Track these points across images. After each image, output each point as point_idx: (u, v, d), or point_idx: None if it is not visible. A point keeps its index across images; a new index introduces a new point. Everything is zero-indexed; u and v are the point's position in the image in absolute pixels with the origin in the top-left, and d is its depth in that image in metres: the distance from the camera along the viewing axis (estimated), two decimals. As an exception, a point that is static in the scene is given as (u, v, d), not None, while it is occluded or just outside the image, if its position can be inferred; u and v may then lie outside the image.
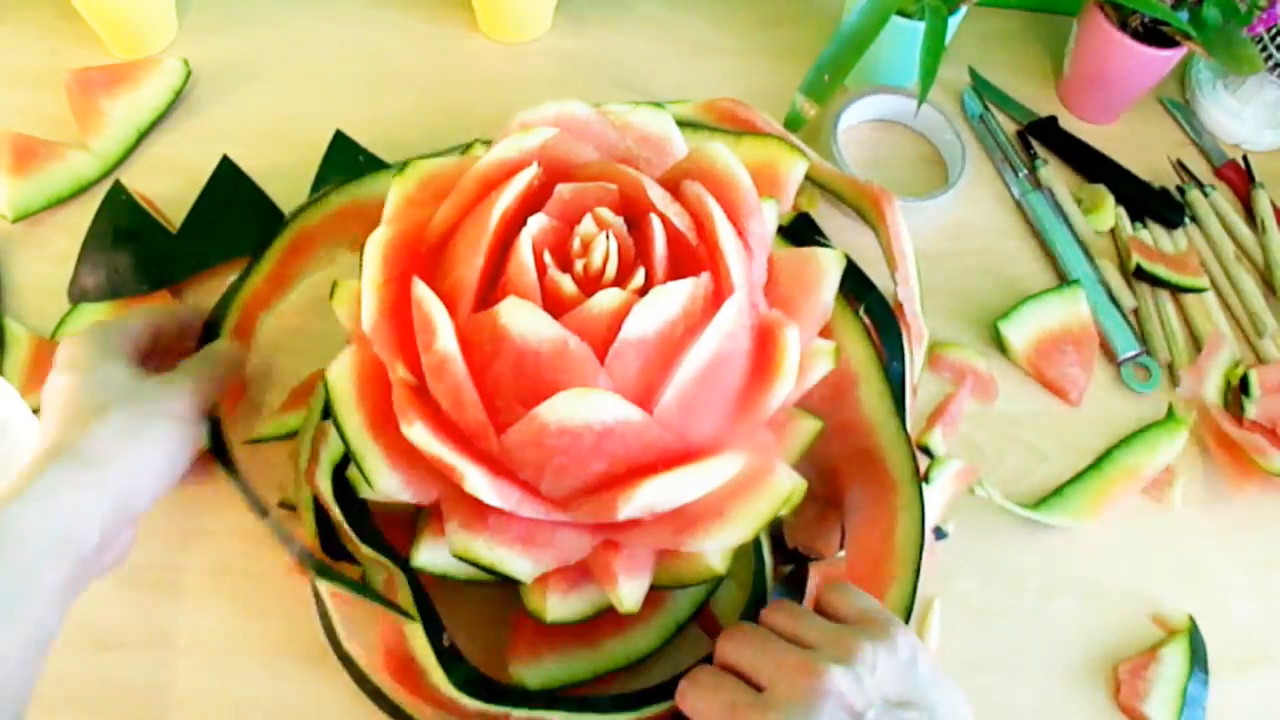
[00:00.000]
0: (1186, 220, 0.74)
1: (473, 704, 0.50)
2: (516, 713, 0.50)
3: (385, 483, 0.48)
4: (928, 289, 0.69)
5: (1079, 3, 0.74)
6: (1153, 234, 0.73)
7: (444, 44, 0.78)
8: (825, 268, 0.54)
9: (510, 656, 0.52)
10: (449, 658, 0.51)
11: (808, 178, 0.63)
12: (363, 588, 0.51)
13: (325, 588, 0.53)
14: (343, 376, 0.50)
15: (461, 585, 0.51)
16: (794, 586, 0.55)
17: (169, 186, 0.69)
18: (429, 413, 0.48)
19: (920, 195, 0.71)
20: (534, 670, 0.52)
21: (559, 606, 0.49)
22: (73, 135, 0.70)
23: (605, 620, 0.51)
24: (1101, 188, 0.74)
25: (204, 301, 0.63)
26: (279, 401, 0.60)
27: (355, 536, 0.52)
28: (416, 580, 0.52)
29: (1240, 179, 0.77)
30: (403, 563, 0.51)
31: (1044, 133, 0.77)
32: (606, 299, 0.47)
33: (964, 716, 0.45)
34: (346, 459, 0.51)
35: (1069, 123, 0.78)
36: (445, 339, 0.47)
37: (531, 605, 0.50)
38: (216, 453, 0.57)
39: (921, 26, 0.66)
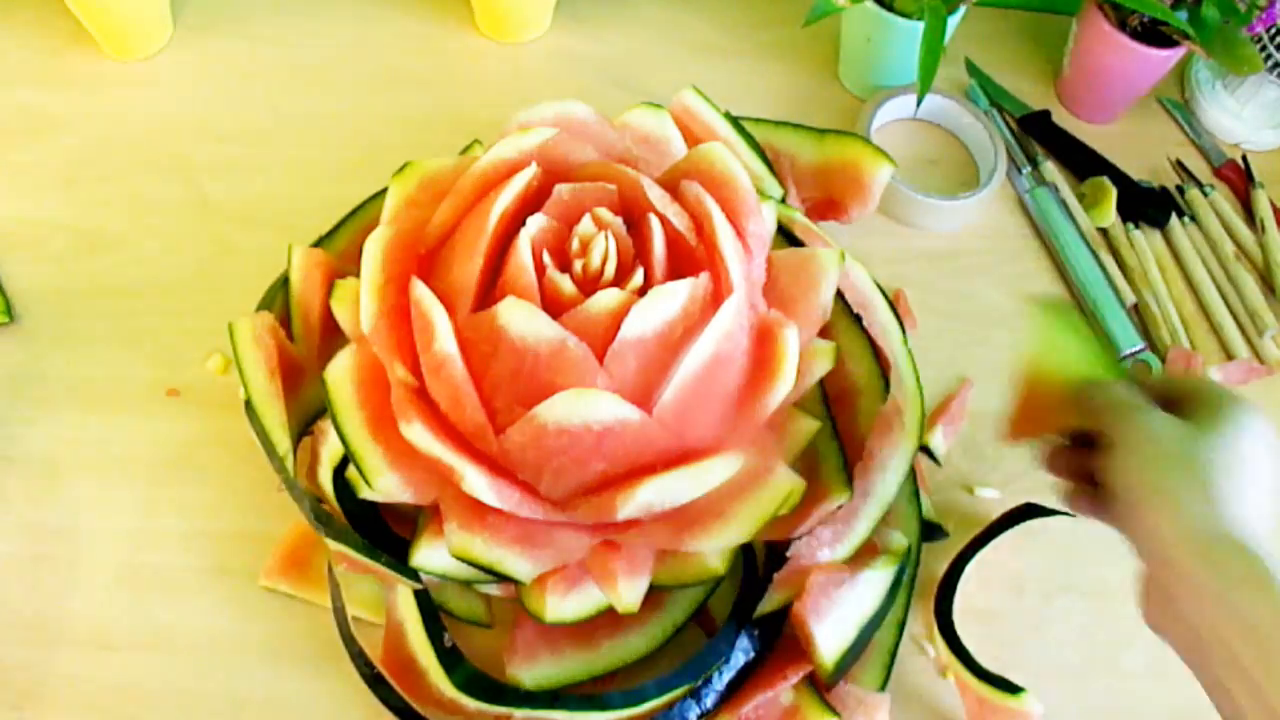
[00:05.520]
0: (1186, 220, 0.74)
1: (474, 704, 0.50)
2: (519, 713, 0.50)
3: (384, 482, 0.48)
4: (928, 288, 0.69)
5: (1078, 2, 0.73)
6: (1145, 234, 0.73)
7: (443, 44, 0.78)
8: (824, 268, 0.54)
9: (508, 657, 0.52)
10: (450, 658, 0.51)
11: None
12: (375, 551, 0.51)
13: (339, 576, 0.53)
14: (342, 377, 0.50)
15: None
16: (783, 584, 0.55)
17: (168, 186, 0.69)
18: (428, 413, 0.48)
19: (951, 194, 0.71)
20: (531, 671, 0.52)
21: (558, 607, 0.49)
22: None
23: (603, 621, 0.51)
24: (1104, 180, 0.73)
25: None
26: None
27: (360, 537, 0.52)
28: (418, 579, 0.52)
29: (1239, 179, 0.77)
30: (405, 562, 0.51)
31: (1037, 128, 0.77)
32: (605, 299, 0.47)
33: None
34: (347, 459, 0.51)
35: (1065, 121, 0.78)
36: (444, 339, 0.47)
37: (530, 606, 0.50)
38: (248, 409, 0.55)
39: (921, 26, 0.66)
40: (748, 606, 0.53)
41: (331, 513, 0.52)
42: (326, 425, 0.52)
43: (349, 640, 0.53)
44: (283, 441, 0.52)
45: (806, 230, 0.60)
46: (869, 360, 0.58)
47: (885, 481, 0.55)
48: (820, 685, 0.52)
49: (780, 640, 0.54)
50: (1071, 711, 0.57)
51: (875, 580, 0.53)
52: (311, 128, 0.73)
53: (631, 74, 0.78)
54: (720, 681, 0.52)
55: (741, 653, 0.52)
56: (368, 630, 0.54)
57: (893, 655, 0.54)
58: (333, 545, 0.51)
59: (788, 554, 0.53)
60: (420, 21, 0.79)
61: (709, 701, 0.51)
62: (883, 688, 0.54)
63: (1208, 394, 0.45)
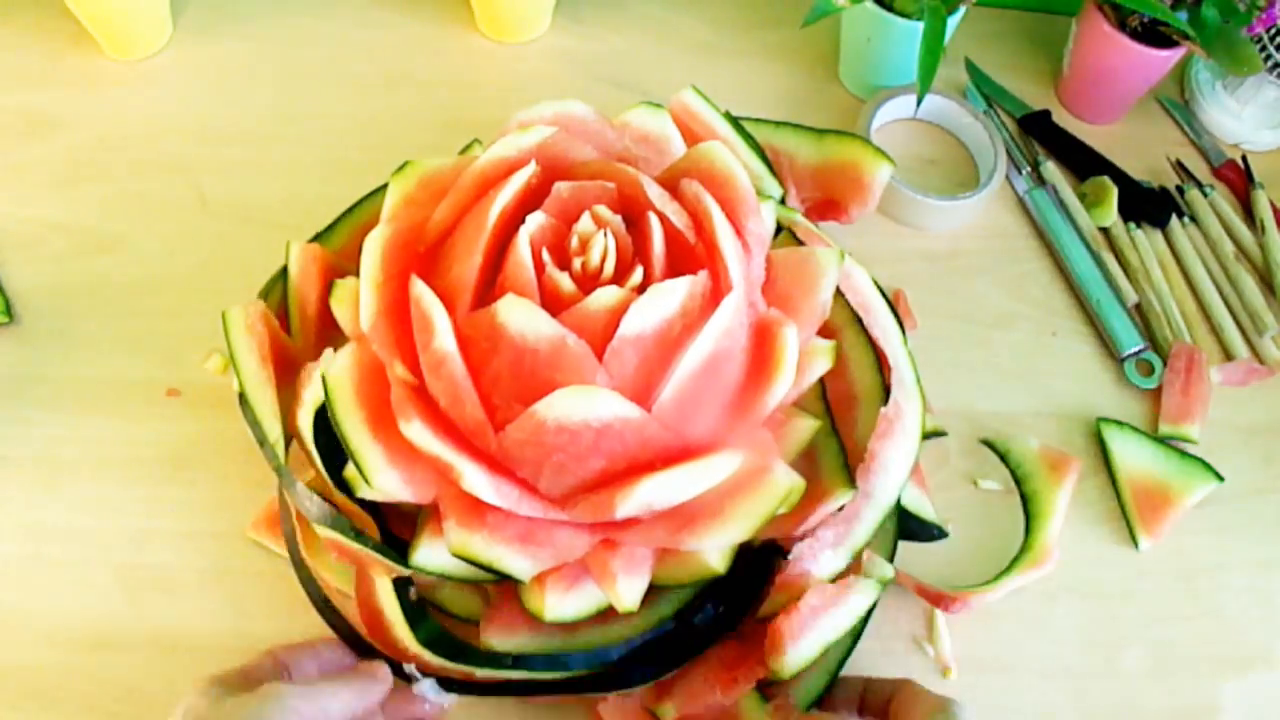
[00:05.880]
0: (1186, 220, 0.74)
1: (437, 661, 0.50)
2: (480, 672, 0.50)
3: (383, 480, 0.48)
4: (928, 288, 0.69)
5: (1078, 3, 0.74)
6: (1147, 234, 0.73)
7: (442, 44, 0.78)
8: (824, 267, 0.54)
9: (484, 625, 0.52)
10: (414, 613, 0.51)
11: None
12: (360, 534, 0.50)
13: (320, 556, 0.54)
14: (342, 375, 0.50)
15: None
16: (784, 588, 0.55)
17: (168, 186, 0.69)
18: (427, 411, 0.48)
19: (951, 194, 0.71)
20: (505, 643, 0.51)
21: (558, 605, 0.49)
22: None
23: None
24: (1106, 179, 0.74)
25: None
26: None
27: (332, 482, 0.51)
28: (391, 535, 0.52)
29: (1239, 179, 0.77)
30: (374, 510, 0.51)
31: (1037, 127, 0.77)
32: (604, 297, 0.47)
33: None
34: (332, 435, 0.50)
35: (1065, 121, 0.78)
36: (443, 337, 0.47)
37: (530, 604, 0.49)
38: (241, 399, 0.54)
39: (921, 26, 0.67)
40: (723, 587, 0.53)
41: (315, 475, 0.52)
42: (313, 368, 0.52)
43: (299, 565, 0.54)
44: (274, 428, 0.52)
45: (808, 233, 0.60)
46: (872, 369, 0.57)
47: (887, 483, 0.54)
48: (763, 686, 0.52)
49: (734, 635, 0.54)
50: (1071, 711, 0.57)
51: (857, 605, 0.52)
52: (311, 128, 0.73)
53: (631, 74, 0.78)
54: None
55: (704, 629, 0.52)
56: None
57: (839, 666, 0.53)
58: (322, 532, 0.51)
59: (790, 556, 0.53)
60: (420, 22, 0.79)
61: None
62: (817, 701, 0.53)
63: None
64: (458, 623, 0.54)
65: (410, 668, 0.51)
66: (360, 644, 0.52)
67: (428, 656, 0.50)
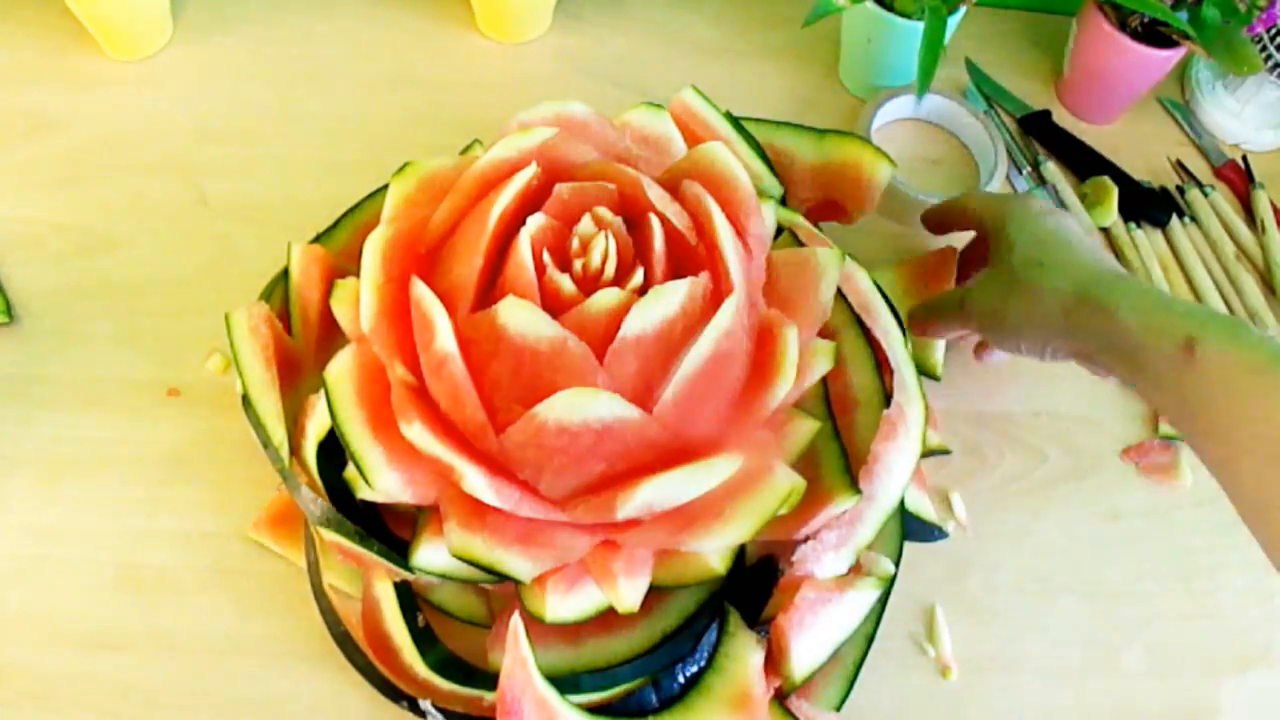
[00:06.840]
0: (1187, 220, 0.74)
1: (447, 686, 0.50)
2: (490, 696, 0.50)
3: (384, 482, 0.48)
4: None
5: (1078, 3, 0.74)
6: (1147, 234, 0.73)
7: (443, 44, 0.78)
8: (824, 267, 0.54)
9: (491, 644, 0.52)
10: (423, 638, 0.51)
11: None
12: (366, 538, 0.50)
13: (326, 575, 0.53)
14: (342, 376, 0.50)
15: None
16: (765, 577, 0.55)
17: (168, 186, 0.69)
18: (428, 412, 0.48)
19: (951, 194, 0.71)
20: None
21: (558, 607, 0.49)
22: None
23: (592, 620, 0.51)
24: (1106, 179, 0.73)
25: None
26: None
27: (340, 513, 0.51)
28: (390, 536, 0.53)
29: (1240, 179, 0.77)
30: (392, 543, 0.52)
31: (1037, 128, 0.77)
32: (605, 298, 0.47)
33: None
34: (332, 435, 0.51)
35: (1066, 121, 0.78)
36: (444, 338, 0.47)
37: (530, 606, 0.49)
38: (244, 402, 0.54)
39: (921, 26, 0.67)
40: (722, 601, 0.53)
41: (316, 491, 0.52)
42: (315, 399, 0.52)
43: (320, 595, 0.53)
44: (278, 431, 0.52)
45: (809, 234, 0.60)
46: (872, 370, 0.57)
47: (889, 485, 0.54)
48: (780, 695, 0.52)
49: None
50: (1071, 711, 0.57)
51: (859, 602, 0.52)
52: (311, 127, 0.73)
53: (631, 74, 0.78)
54: (683, 673, 0.52)
55: (708, 647, 0.52)
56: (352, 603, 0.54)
57: (857, 670, 0.54)
58: (326, 535, 0.51)
59: (793, 558, 0.53)
60: (421, 21, 0.79)
61: (670, 690, 0.52)
62: (839, 707, 0.53)
63: (994, 208, 0.58)
64: (457, 623, 0.54)
65: (426, 704, 0.50)
66: (378, 677, 0.52)
67: (437, 682, 0.50)
